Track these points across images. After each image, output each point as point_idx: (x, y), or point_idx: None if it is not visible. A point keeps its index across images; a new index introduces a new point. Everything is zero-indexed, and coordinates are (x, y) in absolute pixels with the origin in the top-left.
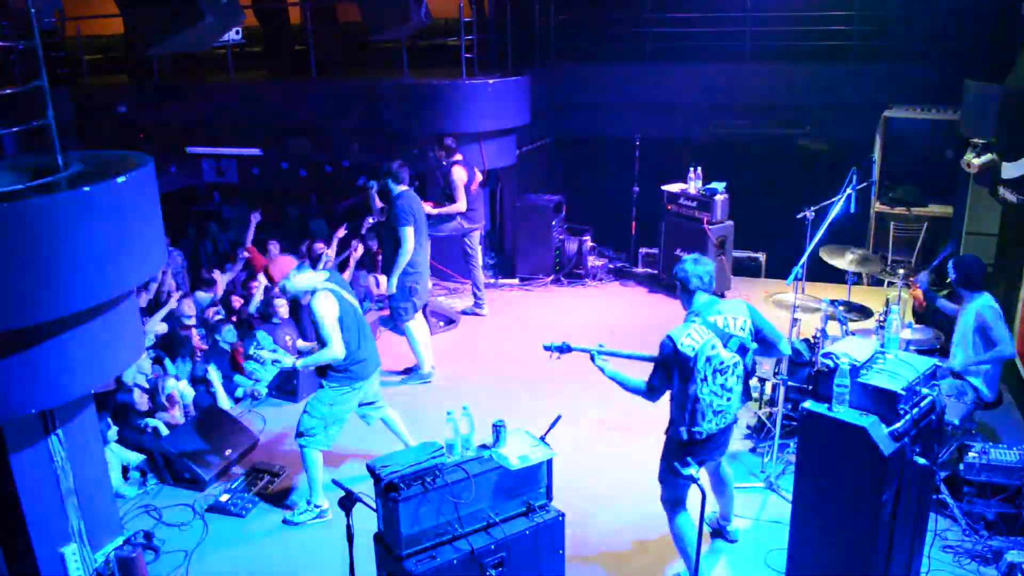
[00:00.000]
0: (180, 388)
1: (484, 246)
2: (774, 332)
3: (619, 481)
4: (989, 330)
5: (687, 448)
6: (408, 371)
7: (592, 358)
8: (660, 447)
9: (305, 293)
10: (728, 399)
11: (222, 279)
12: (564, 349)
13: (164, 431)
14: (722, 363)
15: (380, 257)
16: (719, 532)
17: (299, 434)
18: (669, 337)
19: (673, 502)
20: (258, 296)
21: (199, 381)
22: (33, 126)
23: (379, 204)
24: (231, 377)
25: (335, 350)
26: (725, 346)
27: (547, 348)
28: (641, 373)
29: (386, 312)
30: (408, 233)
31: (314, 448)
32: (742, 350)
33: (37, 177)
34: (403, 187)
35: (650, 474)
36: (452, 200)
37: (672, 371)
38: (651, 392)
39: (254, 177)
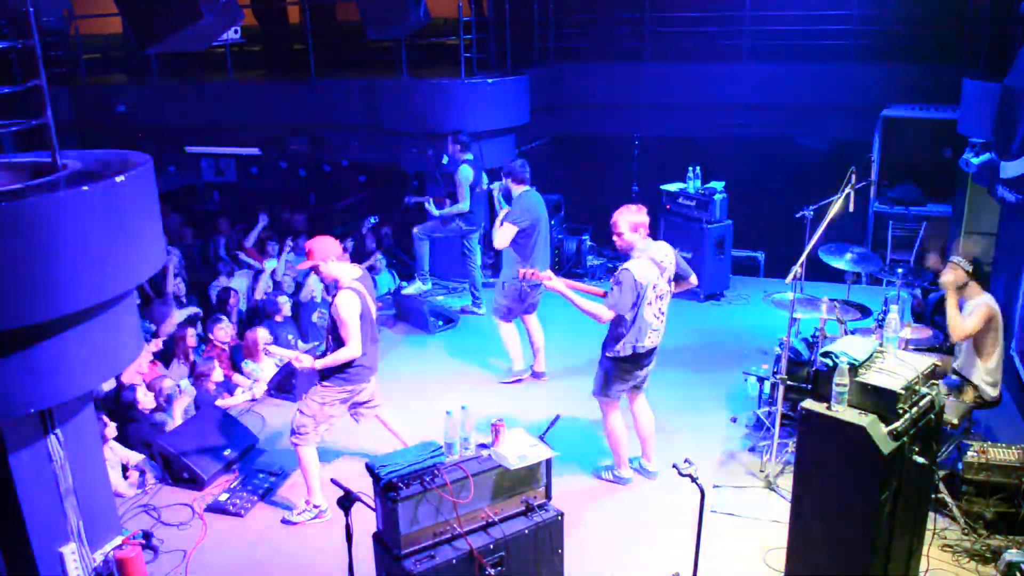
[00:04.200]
0: (180, 387)
1: (483, 245)
2: (688, 268)
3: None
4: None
5: (626, 362)
6: (536, 373)
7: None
8: (660, 444)
9: (333, 285)
10: (662, 321)
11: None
12: (534, 276)
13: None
14: (663, 290)
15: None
16: (642, 473)
17: (292, 432)
18: (627, 269)
19: (609, 409)
20: (260, 290)
21: (199, 378)
22: (32, 125)
23: (501, 208)
24: (230, 376)
25: (353, 350)
26: (661, 276)
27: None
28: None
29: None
30: (509, 232)
31: (306, 446)
32: (669, 281)
33: (36, 176)
34: (524, 187)
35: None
36: (455, 200)
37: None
38: (622, 310)
39: (253, 176)
